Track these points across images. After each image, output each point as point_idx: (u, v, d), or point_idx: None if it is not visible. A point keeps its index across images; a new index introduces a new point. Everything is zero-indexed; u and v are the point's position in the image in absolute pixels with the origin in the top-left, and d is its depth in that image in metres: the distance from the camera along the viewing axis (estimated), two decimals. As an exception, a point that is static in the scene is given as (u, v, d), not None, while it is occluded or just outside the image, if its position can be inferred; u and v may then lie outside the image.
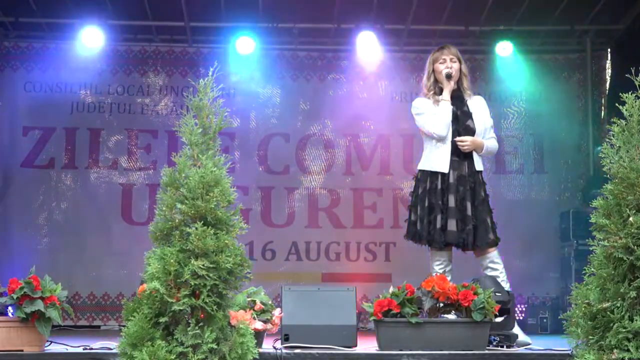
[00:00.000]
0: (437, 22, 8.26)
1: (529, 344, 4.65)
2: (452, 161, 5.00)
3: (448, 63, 5.11)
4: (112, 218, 8.35)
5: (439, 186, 4.98)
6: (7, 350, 3.91)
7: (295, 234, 8.44)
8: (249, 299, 4.09)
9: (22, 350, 3.94)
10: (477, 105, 5.16)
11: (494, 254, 4.97)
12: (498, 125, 8.46)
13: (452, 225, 4.91)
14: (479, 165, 5.05)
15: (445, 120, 5.01)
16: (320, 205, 8.52)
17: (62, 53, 8.35)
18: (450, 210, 4.92)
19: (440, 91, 5.14)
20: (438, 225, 4.92)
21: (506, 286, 4.86)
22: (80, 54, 8.26)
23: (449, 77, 5.07)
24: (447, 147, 5.01)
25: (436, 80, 5.17)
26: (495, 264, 4.96)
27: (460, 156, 5.01)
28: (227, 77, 8.14)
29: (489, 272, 4.90)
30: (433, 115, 5.04)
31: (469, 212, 4.93)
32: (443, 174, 4.98)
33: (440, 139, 5.01)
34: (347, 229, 8.48)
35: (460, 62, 5.15)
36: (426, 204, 4.99)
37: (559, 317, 3.52)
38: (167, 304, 3.17)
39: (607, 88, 8.67)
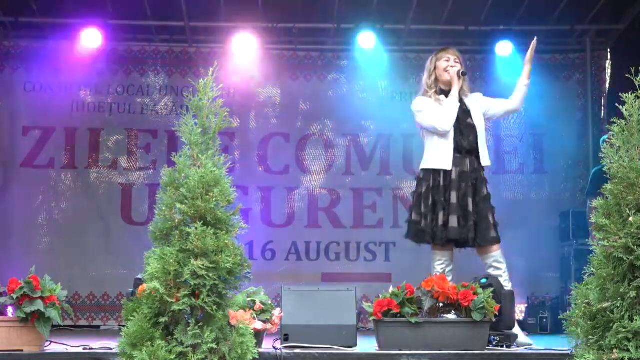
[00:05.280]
0: (437, 22, 8.26)
1: (530, 345, 4.64)
2: (454, 158, 5.02)
3: (452, 62, 5.15)
4: (112, 218, 8.34)
5: (442, 183, 5.00)
6: (7, 350, 3.91)
7: (295, 234, 8.43)
8: (249, 299, 4.09)
9: (22, 350, 3.94)
10: (473, 102, 5.20)
11: (497, 253, 4.97)
12: (498, 125, 8.52)
13: (453, 221, 4.92)
14: (485, 160, 5.06)
15: (452, 115, 5.03)
16: (320, 205, 8.51)
17: (62, 53, 8.31)
18: (452, 206, 4.94)
19: (441, 90, 5.18)
20: (440, 222, 4.94)
21: (508, 286, 4.86)
22: (80, 54, 8.24)
23: (462, 74, 5.12)
24: (449, 144, 5.03)
25: (437, 79, 5.19)
26: (499, 264, 4.96)
27: (462, 152, 5.04)
28: (227, 77, 8.13)
29: (492, 272, 4.89)
30: (439, 108, 5.06)
31: (470, 208, 4.94)
32: (445, 171, 5.00)
33: (443, 134, 5.02)
34: (347, 229, 8.46)
35: (461, 65, 5.20)
36: (430, 202, 5.00)
37: (559, 317, 3.51)
38: (167, 304, 3.17)
39: (607, 88, 8.66)
